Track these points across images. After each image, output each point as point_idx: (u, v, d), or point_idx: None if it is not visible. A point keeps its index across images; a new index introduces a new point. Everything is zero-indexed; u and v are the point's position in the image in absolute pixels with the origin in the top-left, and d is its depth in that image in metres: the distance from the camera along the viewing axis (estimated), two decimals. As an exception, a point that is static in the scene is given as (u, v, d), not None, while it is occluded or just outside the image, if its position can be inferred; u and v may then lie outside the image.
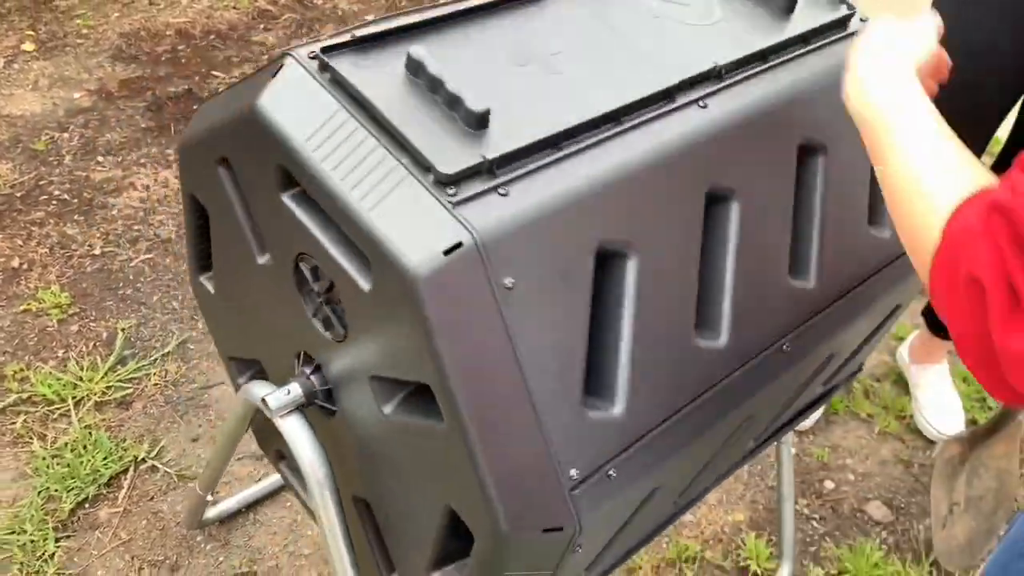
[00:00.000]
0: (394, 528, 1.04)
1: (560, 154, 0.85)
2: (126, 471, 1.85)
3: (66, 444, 1.87)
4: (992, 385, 0.66)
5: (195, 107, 2.87)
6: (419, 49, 0.86)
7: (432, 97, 0.85)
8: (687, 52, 1.01)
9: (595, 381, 0.89)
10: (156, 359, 2.08)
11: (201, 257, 1.15)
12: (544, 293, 0.82)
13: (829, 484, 1.99)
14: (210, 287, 1.16)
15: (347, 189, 0.79)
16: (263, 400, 0.99)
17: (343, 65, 0.86)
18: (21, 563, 1.67)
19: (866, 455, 2.06)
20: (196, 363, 2.08)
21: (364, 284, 0.82)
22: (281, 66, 0.86)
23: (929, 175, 0.73)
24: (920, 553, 1.87)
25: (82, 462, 1.83)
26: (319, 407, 1.02)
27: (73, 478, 1.81)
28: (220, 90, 2.97)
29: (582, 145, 0.87)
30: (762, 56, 1.05)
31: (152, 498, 1.81)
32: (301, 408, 1.01)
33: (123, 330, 2.13)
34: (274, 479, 1.82)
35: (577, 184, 0.84)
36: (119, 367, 2.05)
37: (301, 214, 0.86)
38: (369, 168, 0.79)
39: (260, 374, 1.21)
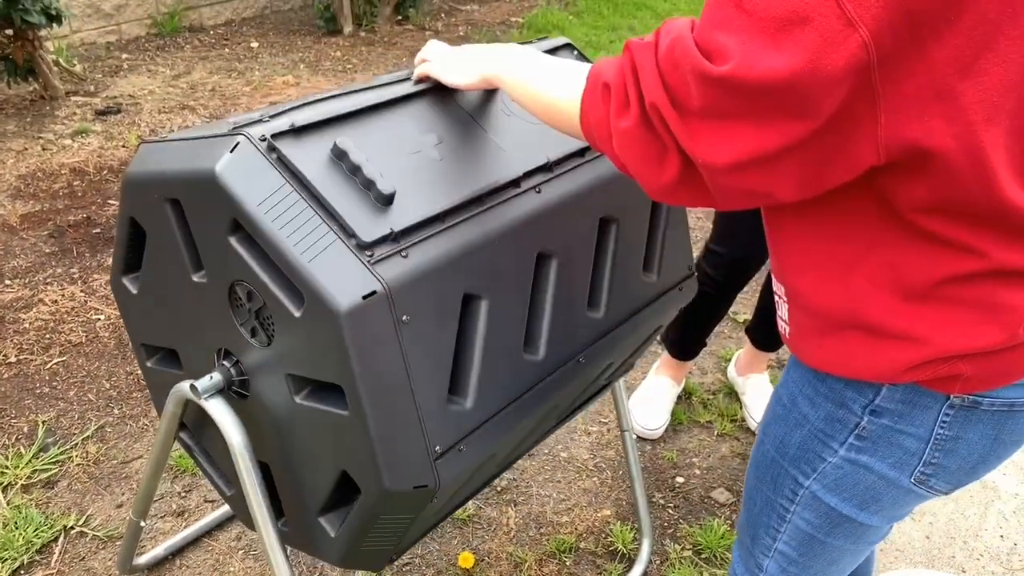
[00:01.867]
0: (289, 484, 1.33)
1: (443, 226, 1.22)
2: (57, 539, 2.04)
3: (-2, 522, 2.05)
4: (612, 157, 0.97)
5: (95, 231, 3.15)
6: (345, 140, 1.20)
7: (352, 178, 1.19)
8: (529, 146, 1.41)
9: (455, 384, 1.24)
10: (77, 443, 2.29)
11: (127, 262, 1.41)
12: (428, 325, 1.17)
13: (680, 479, 2.35)
14: (132, 287, 1.43)
15: (291, 245, 1.10)
16: (192, 386, 1.29)
17: (286, 147, 1.18)
18: (-37, 627, 1.83)
19: (708, 453, 2.43)
20: (115, 443, 2.30)
21: (295, 312, 1.14)
22: (237, 144, 1.16)
23: (553, 81, 1.08)
24: (758, 523, 2.22)
25: (14, 536, 2.01)
26: (235, 392, 1.32)
27: (7, 549, 1.98)
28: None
29: (457, 220, 1.24)
30: (580, 153, 1.47)
31: (84, 559, 2.00)
32: (222, 391, 1.31)
33: (43, 422, 2.34)
34: (196, 527, 2.04)
35: (453, 249, 1.21)
36: (42, 453, 2.25)
37: (245, 254, 1.16)
38: (307, 232, 1.12)
39: (166, 359, 1.48)
